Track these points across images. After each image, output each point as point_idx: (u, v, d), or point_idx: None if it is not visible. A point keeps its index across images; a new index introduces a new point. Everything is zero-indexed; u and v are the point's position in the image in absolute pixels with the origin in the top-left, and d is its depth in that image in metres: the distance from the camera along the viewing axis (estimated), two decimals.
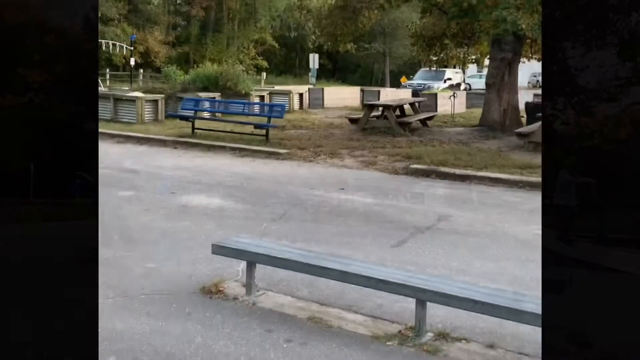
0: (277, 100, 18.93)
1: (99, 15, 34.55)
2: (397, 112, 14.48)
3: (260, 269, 4.20)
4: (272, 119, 12.19)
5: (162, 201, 6.90)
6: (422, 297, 3.43)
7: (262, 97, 18.79)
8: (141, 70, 34.31)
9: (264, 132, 11.84)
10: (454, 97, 18.50)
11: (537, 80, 35.74)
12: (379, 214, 6.56)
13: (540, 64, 17.60)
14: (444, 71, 31.01)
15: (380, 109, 14.15)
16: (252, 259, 4.06)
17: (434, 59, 18.12)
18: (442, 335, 3.51)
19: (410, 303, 3.63)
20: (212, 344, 3.38)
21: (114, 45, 28.48)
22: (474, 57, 19.60)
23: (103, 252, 4.84)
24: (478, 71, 37.45)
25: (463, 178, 8.66)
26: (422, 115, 15.26)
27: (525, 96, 17.81)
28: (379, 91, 22.17)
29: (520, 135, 11.75)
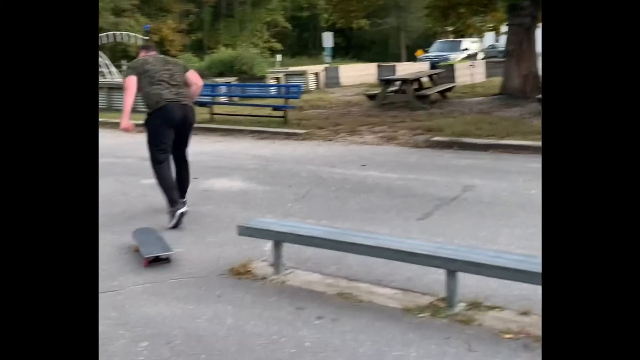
0: (293, 81, 18.85)
1: (112, 6, 34.66)
2: (415, 86, 14.32)
3: (287, 248, 4.19)
4: (289, 100, 12.13)
5: None
6: (452, 267, 3.38)
7: (277, 79, 18.73)
8: None
9: (282, 113, 11.79)
10: (472, 66, 18.26)
11: None
12: (403, 188, 6.50)
13: None
14: (461, 41, 30.54)
15: (398, 83, 14.01)
16: (279, 238, 4.05)
17: (450, 29, 17.84)
18: (474, 305, 3.47)
19: (440, 274, 3.58)
20: (243, 324, 3.38)
21: (128, 36, 28.52)
22: (491, 25, 19.26)
23: (131, 241, 4.86)
24: (496, 40, 36.80)
25: (486, 147, 8.54)
26: (441, 87, 15.08)
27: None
28: (395, 66, 21.95)
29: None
